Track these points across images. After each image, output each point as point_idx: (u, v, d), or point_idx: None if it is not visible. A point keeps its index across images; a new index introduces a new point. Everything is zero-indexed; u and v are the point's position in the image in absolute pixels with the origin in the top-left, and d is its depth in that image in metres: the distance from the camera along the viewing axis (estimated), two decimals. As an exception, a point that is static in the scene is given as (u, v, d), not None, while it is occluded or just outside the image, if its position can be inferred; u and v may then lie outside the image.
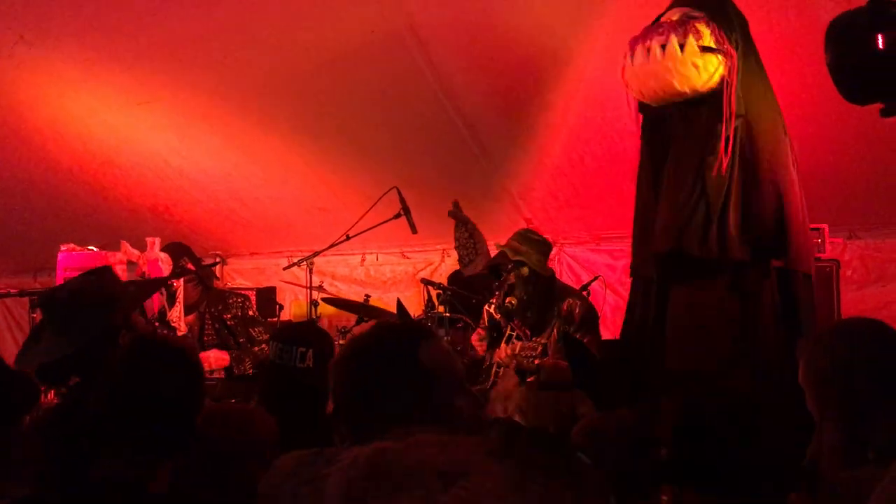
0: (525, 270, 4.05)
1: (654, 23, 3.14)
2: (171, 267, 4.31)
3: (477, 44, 4.76)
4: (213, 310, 4.40)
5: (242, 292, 5.17)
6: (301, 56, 4.92)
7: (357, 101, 5.29)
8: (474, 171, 5.74)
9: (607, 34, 4.29)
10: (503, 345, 4.12)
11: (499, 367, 4.13)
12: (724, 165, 2.97)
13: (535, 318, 4.08)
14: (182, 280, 4.23)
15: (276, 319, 5.85)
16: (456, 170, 5.78)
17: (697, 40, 2.98)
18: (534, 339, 3.91)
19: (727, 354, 3.06)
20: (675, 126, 3.17)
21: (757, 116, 3.06)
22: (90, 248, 5.49)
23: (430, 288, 5.15)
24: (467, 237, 5.19)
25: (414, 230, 4.79)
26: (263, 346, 4.31)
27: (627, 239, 5.82)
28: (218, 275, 4.72)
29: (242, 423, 2.03)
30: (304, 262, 4.87)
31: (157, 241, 4.33)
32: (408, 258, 6.74)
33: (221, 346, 4.37)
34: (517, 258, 4.02)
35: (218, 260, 4.90)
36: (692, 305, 3.14)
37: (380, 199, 4.71)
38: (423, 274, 6.39)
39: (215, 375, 4.27)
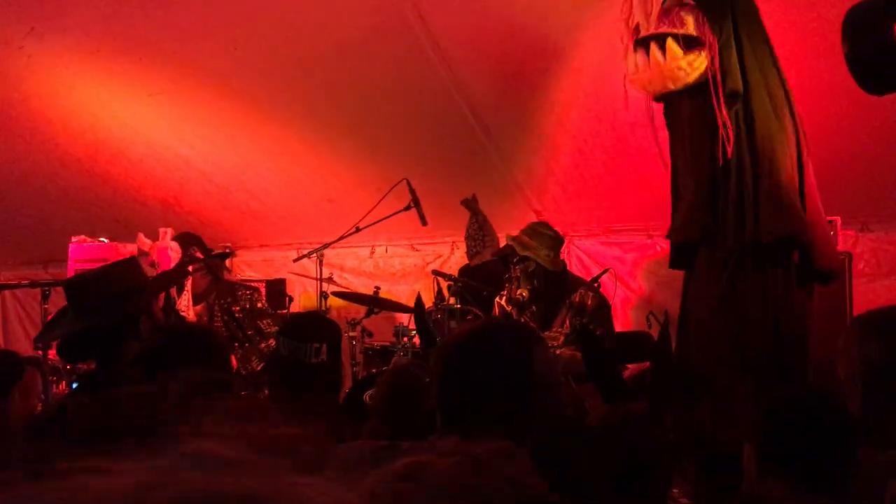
0: (531, 265, 4.05)
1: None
2: (181, 256, 4.32)
3: (487, 35, 4.74)
4: (222, 301, 4.41)
5: (252, 284, 5.19)
6: (310, 48, 4.91)
7: (367, 92, 5.28)
8: (484, 163, 5.72)
9: (618, 25, 4.26)
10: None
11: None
12: (730, 151, 2.95)
13: (542, 311, 4.09)
14: (191, 269, 4.24)
15: (286, 311, 5.86)
16: (465, 162, 5.76)
17: (680, 30, 3.00)
18: (555, 329, 3.91)
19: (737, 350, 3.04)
20: (686, 112, 3.17)
21: (756, 99, 3.02)
22: (101, 239, 5.51)
23: (441, 280, 5.16)
24: (476, 228, 5.20)
25: (424, 222, 4.78)
26: (271, 341, 4.32)
27: (637, 232, 5.89)
28: (229, 267, 4.72)
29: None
30: (315, 254, 4.87)
31: (170, 231, 4.36)
32: (417, 250, 6.73)
33: (229, 339, 4.39)
34: (525, 253, 4.02)
35: (228, 250, 4.90)
36: (707, 298, 3.12)
37: (390, 190, 4.71)
38: (432, 266, 6.38)
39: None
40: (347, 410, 3.29)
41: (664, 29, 3.02)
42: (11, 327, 7.16)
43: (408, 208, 4.76)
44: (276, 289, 6.17)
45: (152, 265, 4.26)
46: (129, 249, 5.47)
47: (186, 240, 4.45)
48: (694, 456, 2.85)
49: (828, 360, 2.23)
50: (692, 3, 3.04)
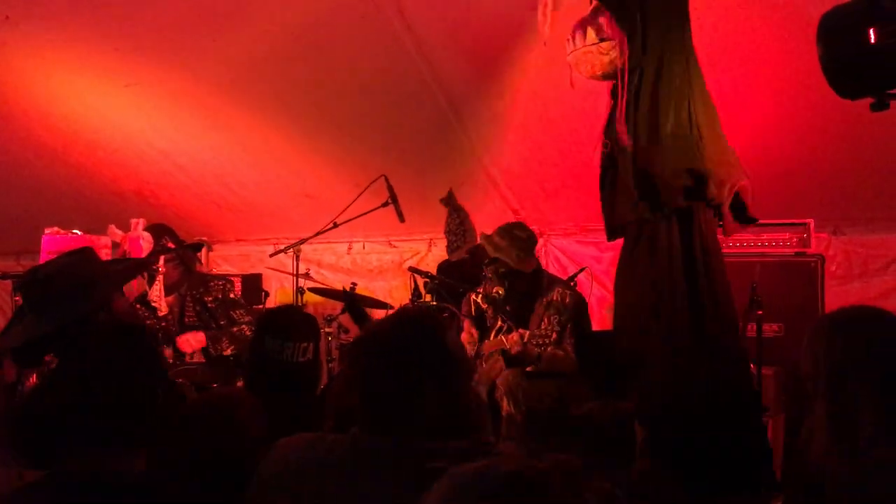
0: (501, 266, 4.09)
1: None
2: (153, 246, 4.27)
3: (466, 30, 4.73)
4: (194, 292, 4.38)
5: (228, 278, 5.15)
6: (289, 41, 4.88)
7: (346, 88, 5.26)
8: (462, 160, 5.73)
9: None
10: (492, 336, 4.15)
11: (490, 356, 4.16)
12: (625, 138, 3.20)
13: (517, 309, 4.12)
14: (163, 259, 4.20)
15: (261, 306, 5.83)
16: (444, 159, 5.77)
17: (595, 31, 3.31)
18: (532, 327, 3.94)
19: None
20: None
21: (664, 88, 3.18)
22: (74, 231, 5.44)
23: (418, 277, 5.16)
24: (458, 223, 5.22)
25: (401, 219, 4.77)
26: (243, 326, 4.28)
27: (614, 231, 5.91)
28: (202, 260, 4.68)
29: (228, 411, 2.00)
30: (291, 250, 4.85)
31: (142, 221, 4.30)
32: (394, 247, 6.72)
33: (202, 328, 4.35)
34: (496, 254, 4.07)
35: (201, 241, 4.86)
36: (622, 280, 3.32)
37: (368, 186, 4.70)
38: (409, 263, 6.38)
39: (195, 360, 4.24)
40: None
41: (585, 27, 3.35)
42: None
43: (385, 205, 4.75)
44: (253, 284, 6.14)
45: (124, 255, 4.21)
46: (103, 242, 5.41)
47: (158, 230, 4.40)
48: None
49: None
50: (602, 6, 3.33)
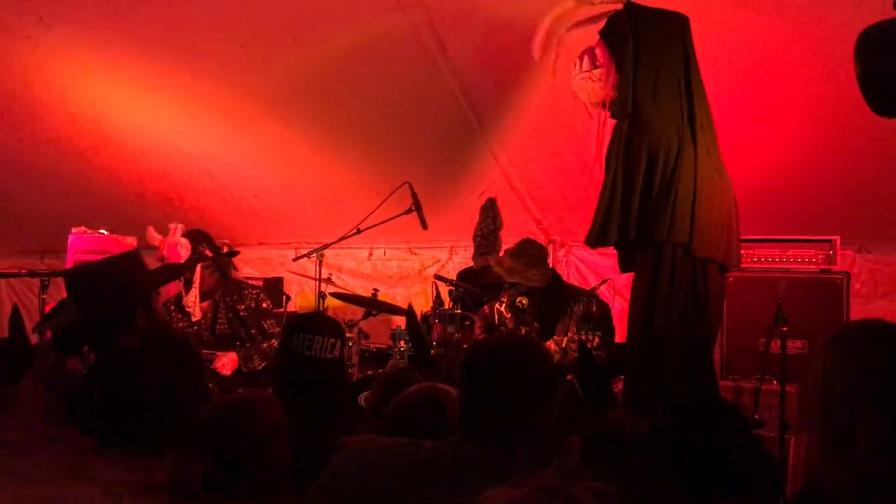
0: (521, 288, 4.11)
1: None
2: (190, 253, 4.34)
3: (491, 40, 4.75)
4: (227, 299, 4.43)
5: (250, 282, 5.19)
6: (315, 48, 4.91)
7: (371, 95, 5.29)
8: (485, 169, 5.73)
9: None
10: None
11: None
12: (601, 166, 3.39)
13: (541, 318, 4.12)
14: (199, 266, 4.26)
15: (283, 310, 5.85)
16: (466, 167, 5.77)
17: (590, 60, 3.49)
18: (558, 334, 3.94)
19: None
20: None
21: (648, 118, 3.30)
22: (101, 231, 5.50)
23: (439, 284, 5.16)
24: (493, 230, 5.23)
25: (425, 226, 4.78)
26: (273, 341, 4.33)
27: (637, 243, 5.89)
28: (236, 265, 4.75)
29: (247, 414, 2.02)
30: (314, 254, 4.86)
31: (180, 227, 4.37)
32: (415, 254, 6.74)
33: (232, 338, 4.40)
34: (512, 279, 4.09)
35: (237, 249, 4.93)
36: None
37: (392, 192, 4.71)
38: (430, 270, 6.39)
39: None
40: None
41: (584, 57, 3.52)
42: (6, 316, 7.10)
43: (409, 212, 4.76)
44: (274, 287, 6.16)
45: (161, 260, 4.26)
46: (128, 241, 5.46)
47: (196, 237, 4.46)
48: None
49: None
50: (601, 34, 3.50)
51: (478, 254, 5.24)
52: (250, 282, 5.22)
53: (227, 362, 4.28)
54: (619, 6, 3.48)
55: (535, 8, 4.50)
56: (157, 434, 1.78)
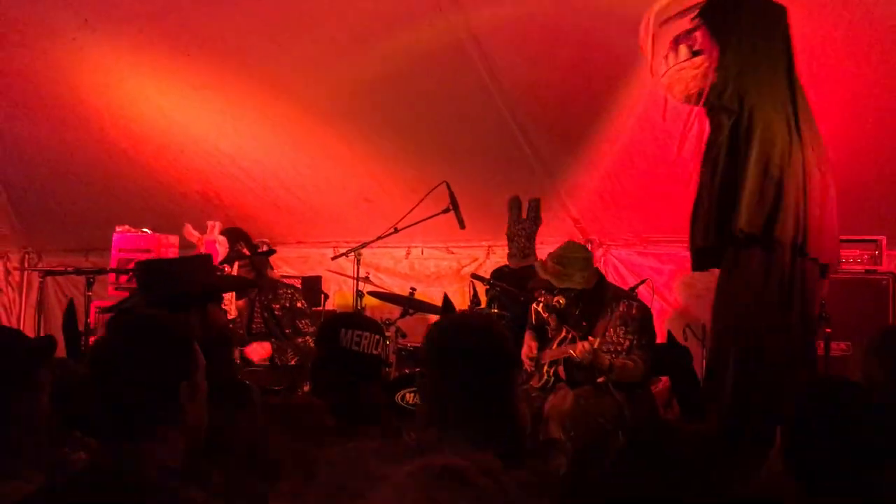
0: (571, 293, 4.08)
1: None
2: (227, 250, 4.38)
3: (531, 41, 4.74)
4: (263, 298, 4.46)
5: (288, 281, 5.24)
6: (353, 49, 4.95)
7: (409, 96, 5.31)
8: (522, 168, 5.71)
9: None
10: (554, 346, 4.13)
11: (550, 365, 4.14)
12: (698, 162, 3.25)
13: (581, 317, 4.09)
14: (236, 265, 4.30)
15: (321, 309, 5.90)
16: (503, 167, 5.76)
17: (690, 46, 3.23)
18: (597, 334, 3.91)
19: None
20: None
21: (757, 112, 3.14)
22: (144, 230, 5.59)
23: (477, 283, 5.15)
24: (531, 227, 5.21)
25: (462, 225, 4.79)
26: (307, 337, 4.35)
27: (675, 243, 5.82)
28: (272, 265, 4.79)
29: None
30: (352, 253, 4.89)
31: (218, 224, 4.42)
32: (452, 253, 6.73)
33: (266, 336, 4.43)
34: (563, 285, 4.04)
35: (266, 247, 4.97)
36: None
37: (430, 192, 4.72)
38: (467, 269, 6.39)
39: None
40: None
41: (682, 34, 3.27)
42: (52, 313, 7.25)
43: (446, 211, 4.77)
44: (312, 286, 6.21)
45: (199, 258, 4.34)
46: (170, 241, 5.55)
47: (234, 235, 4.50)
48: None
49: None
50: (700, 17, 3.24)
51: (520, 255, 5.18)
52: (288, 281, 5.27)
53: (256, 348, 4.30)
54: None
55: (574, 10, 4.49)
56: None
